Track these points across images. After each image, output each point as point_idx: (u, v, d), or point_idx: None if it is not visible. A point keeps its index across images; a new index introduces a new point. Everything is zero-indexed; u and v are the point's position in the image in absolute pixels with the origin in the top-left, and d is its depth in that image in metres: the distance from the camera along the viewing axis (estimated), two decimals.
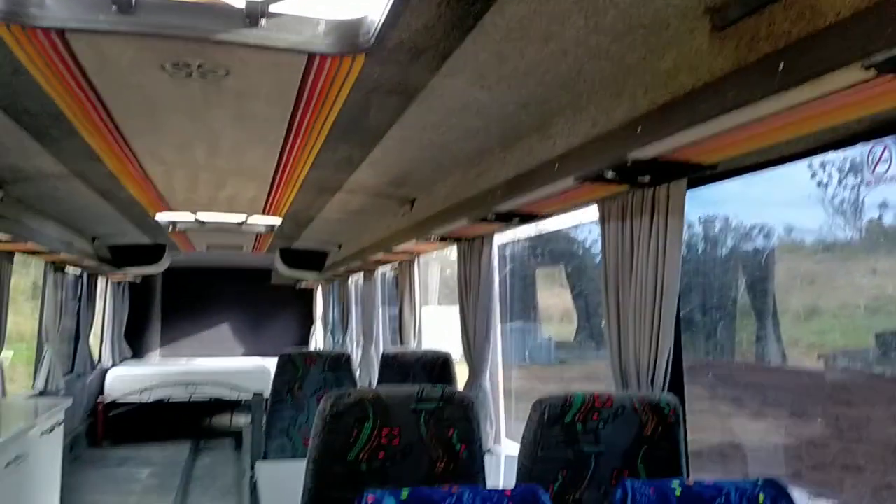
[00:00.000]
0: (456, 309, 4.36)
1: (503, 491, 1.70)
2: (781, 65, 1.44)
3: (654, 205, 2.40)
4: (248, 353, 11.03)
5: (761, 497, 1.77)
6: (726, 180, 2.40)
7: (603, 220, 2.71)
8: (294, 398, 4.09)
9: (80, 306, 7.97)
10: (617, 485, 1.77)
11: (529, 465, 2.06)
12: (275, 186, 4.35)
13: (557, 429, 2.05)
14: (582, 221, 3.89)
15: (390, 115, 2.82)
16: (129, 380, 9.01)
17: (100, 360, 9.21)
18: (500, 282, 5.01)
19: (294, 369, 4.12)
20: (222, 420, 9.63)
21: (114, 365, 9.45)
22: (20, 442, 2.93)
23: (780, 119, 1.61)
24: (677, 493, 1.74)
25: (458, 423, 2.07)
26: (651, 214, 2.42)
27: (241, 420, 8.92)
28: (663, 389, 2.42)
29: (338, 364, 4.17)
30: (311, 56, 2.24)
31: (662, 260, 2.42)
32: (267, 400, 4.30)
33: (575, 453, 2.06)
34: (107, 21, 2.06)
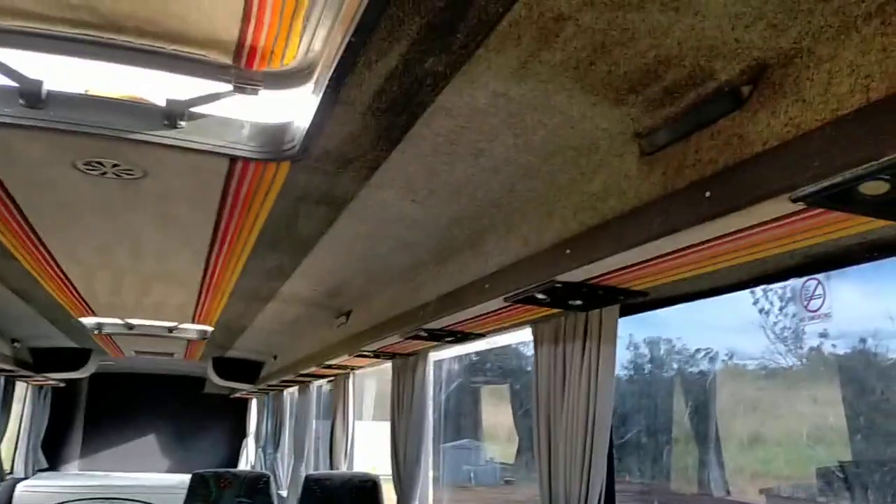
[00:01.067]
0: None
1: None
2: (707, 193, 1.38)
3: (586, 330, 2.31)
4: (173, 469, 10.38)
5: None
6: (659, 309, 2.33)
7: (536, 343, 2.61)
8: None
9: None
10: None
11: None
12: (204, 293, 4.18)
13: None
14: (526, 340, 3.78)
15: (320, 224, 2.73)
16: (40, 494, 8.36)
17: (11, 470, 8.56)
18: (445, 398, 4.83)
19: (206, 493, 3.80)
20: None
21: (25, 476, 8.80)
22: None
23: (708, 249, 1.54)
24: None
25: None
26: (584, 340, 2.32)
27: None
28: None
29: (255, 488, 3.87)
30: (233, 160, 2.14)
31: (595, 388, 2.30)
32: None
33: None
34: (12, 114, 1.95)
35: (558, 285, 2.03)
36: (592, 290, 2.03)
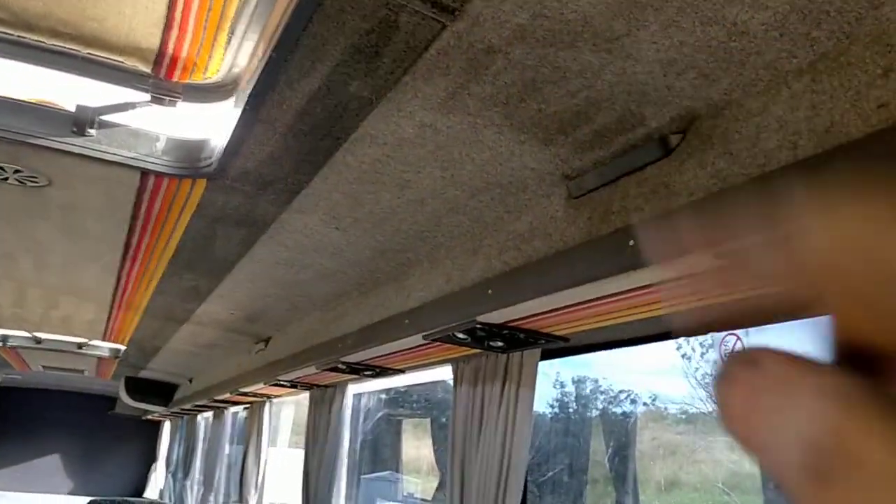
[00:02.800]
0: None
1: None
2: (631, 242, 1.33)
3: (506, 372, 2.25)
4: (75, 492, 9.86)
5: None
6: (579, 354, 2.29)
7: (456, 381, 2.53)
8: None
9: None
10: None
11: None
12: (115, 310, 3.98)
13: None
14: (443, 378, 3.70)
15: (238, 246, 2.61)
16: None
17: None
18: (366, 429, 4.69)
19: None
20: None
21: None
22: None
23: (631, 298, 1.50)
24: None
25: None
26: (503, 382, 2.26)
27: None
28: None
29: None
30: (145, 173, 2.03)
31: (512, 431, 2.24)
32: None
33: None
34: None
35: (479, 326, 1.96)
36: (513, 333, 1.97)
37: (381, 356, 2.77)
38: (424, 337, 2.19)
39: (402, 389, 6.86)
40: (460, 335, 2.07)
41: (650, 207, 1.34)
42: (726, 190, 1.21)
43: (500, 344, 2.09)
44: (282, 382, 3.86)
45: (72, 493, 9.85)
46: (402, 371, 3.03)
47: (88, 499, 8.95)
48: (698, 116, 1.32)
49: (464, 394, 2.46)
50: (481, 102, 1.42)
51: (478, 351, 2.29)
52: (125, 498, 3.75)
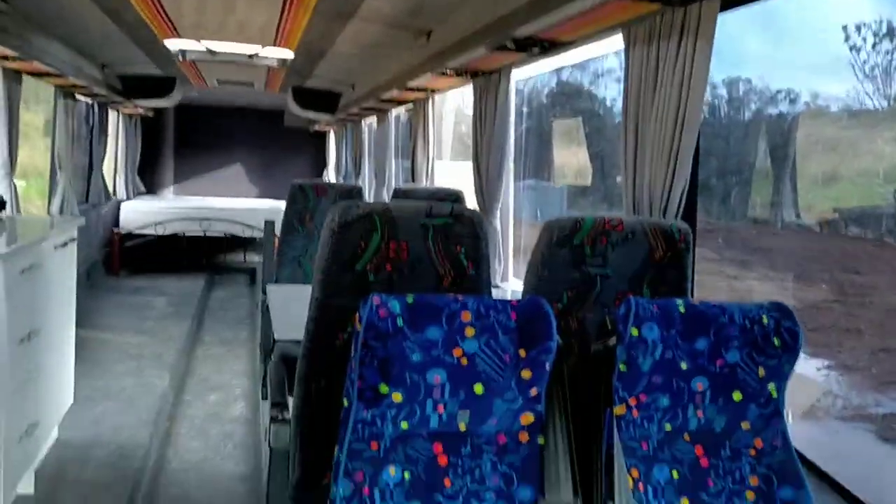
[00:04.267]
0: (468, 165, 4.29)
1: (508, 301, 1.70)
2: None
3: (683, 27, 2.27)
4: (260, 195, 11.09)
5: (765, 319, 1.76)
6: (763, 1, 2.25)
7: (627, 46, 2.59)
8: (305, 228, 4.12)
9: (91, 138, 7.93)
10: (622, 302, 1.76)
11: (535, 285, 2.06)
12: (286, 11, 4.17)
13: (566, 250, 2.03)
14: (606, 52, 3.68)
15: None
16: (143, 213, 9.10)
17: (114, 192, 9.27)
18: (515, 138, 4.88)
19: (305, 200, 4.13)
20: (236, 257, 9.80)
21: (128, 198, 9.53)
22: (34, 251, 2.95)
23: None
24: (681, 310, 1.74)
25: (467, 240, 2.04)
26: (679, 38, 2.29)
27: (255, 258, 9.08)
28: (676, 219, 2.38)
29: (349, 196, 4.16)
30: None
31: (687, 87, 2.32)
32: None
33: (581, 274, 2.05)
34: None
35: None
36: None
37: (549, 27, 2.82)
38: None
39: (545, 102, 6.94)
40: None
41: None
42: None
43: None
44: (447, 71, 4.02)
45: (258, 196, 11.09)
46: (570, 43, 3.09)
47: (271, 200, 10.04)
48: None
49: (637, 56, 2.52)
50: None
51: (653, 9, 2.31)
52: (320, 181, 4.36)
